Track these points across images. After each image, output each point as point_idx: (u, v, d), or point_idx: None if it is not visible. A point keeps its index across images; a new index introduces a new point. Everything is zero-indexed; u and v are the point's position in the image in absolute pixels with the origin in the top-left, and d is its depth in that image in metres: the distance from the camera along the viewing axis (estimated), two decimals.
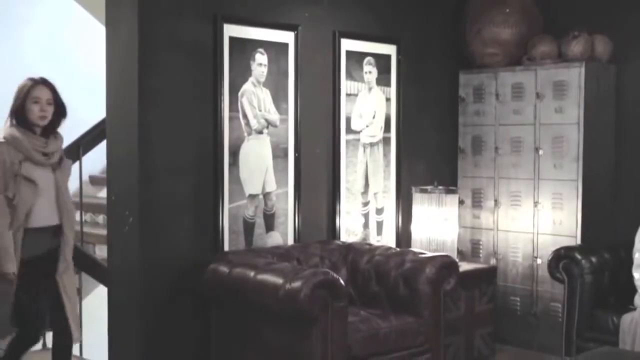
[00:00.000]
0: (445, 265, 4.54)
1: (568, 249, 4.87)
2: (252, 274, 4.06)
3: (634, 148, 5.40)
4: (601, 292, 4.76)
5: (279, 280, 3.91)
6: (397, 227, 5.54)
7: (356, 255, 4.84)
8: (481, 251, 5.77)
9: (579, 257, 4.76)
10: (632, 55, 5.35)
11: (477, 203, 5.79)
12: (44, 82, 4.04)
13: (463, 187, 5.83)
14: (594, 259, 4.77)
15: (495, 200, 5.68)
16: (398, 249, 4.95)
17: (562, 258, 4.83)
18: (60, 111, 4.08)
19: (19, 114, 3.95)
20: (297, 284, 3.83)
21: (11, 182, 3.84)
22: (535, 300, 5.46)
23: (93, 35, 6.08)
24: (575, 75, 5.21)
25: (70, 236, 4.08)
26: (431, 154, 5.79)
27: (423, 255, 4.63)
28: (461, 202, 5.79)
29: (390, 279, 4.58)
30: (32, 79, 4.02)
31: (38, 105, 3.96)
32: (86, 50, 6.77)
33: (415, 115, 5.65)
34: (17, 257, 3.85)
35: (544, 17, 5.65)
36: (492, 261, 5.66)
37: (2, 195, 3.83)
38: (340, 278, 4.03)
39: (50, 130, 4.06)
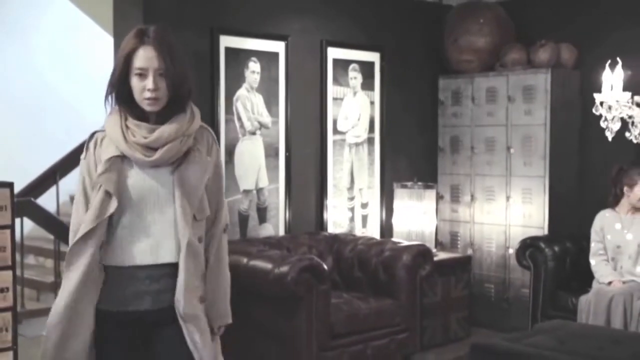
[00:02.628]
0: (421, 253, 5.02)
1: (533, 239, 5.36)
2: (245, 260, 4.54)
3: (597, 147, 5.85)
4: (563, 276, 5.24)
5: (268, 266, 4.40)
6: (381, 220, 6.02)
7: (341, 244, 5.32)
8: (459, 242, 6.24)
9: (542, 246, 5.25)
10: (595, 61, 5.78)
11: (455, 198, 6.27)
12: (153, 40, 2.40)
13: (442, 184, 6.31)
14: (556, 248, 5.26)
15: (472, 196, 6.15)
16: (379, 239, 5.43)
17: (528, 247, 5.33)
18: (178, 88, 2.43)
19: (119, 89, 2.45)
20: (284, 269, 4.31)
21: (93, 193, 2.45)
22: (507, 287, 5.93)
23: (99, 43, 6.57)
24: (542, 81, 5.68)
25: (193, 285, 2.48)
26: (413, 152, 6.26)
27: (401, 245, 5.11)
28: (441, 197, 6.28)
29: (371, 266, 5.06)
30: (137, 33, 2.42)
31: (143, 80, 2.39)
32: (93, 57, 7.24)
33: (398, 117, 6.12)
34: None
35: (515, 27, 6.12)
36: (469, 251, 6.13)
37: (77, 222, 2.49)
38: (323, 263, 4.52)
39: (172, 111, 2.45)
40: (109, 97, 2.48)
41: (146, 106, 2.41)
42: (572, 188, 5.89)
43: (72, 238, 2.47)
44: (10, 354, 3.72)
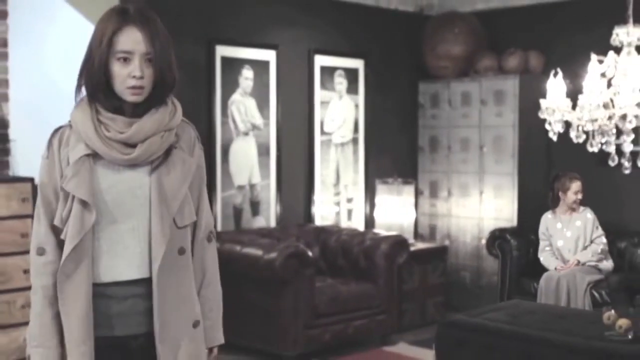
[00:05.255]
0: (397, 242, 5.56)
1: (501, 231, 5.91)
2: (238, 248, 5.07)
3: (564, 146, 6.37)
4: (526, 264, 5.78)
5: (259, 252, 4.93)
6: (366, 214, 6.55)
7: (326, 235, 5.85)
8: (437, 234, 6.77)
9: (509, 237, 5.80)
10: (561, 68, 6.30)
11: (433, 193, 6.80)
12: (138, 20, 2.08)
13: (422, 180, 6.84)
14: (521, 239, 5.82)
15: (449, 191, 6.68)
16: (361, 230, 5.96)
17: (496, 238, 5.87)
18: (164, 76, 2.11)
19: (93, 79, 2.08)
20: (273, 255, 4.85)
21: (60, 202, 2.11)
22: (481, 275, 6.47)
23: None
24: (511, 86, 6.22)
25: (176, 305, 2.14)
26: (395, 151, 6.79)
27: (380, 235, 5.65)
28: (421, 193, 6.81)
29: (353, 254, 5.59)
30: (119, 12, 2.09)
31: (128, 66, 2.06)
32: None
33: (381, 119, 6.65)
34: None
35: (488, 36, 6.65)
36: (446, 242, 6.66)
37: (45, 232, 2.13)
38: (308, 250, 5.05)
39: (152, 103, 2.12)
40: (82, 87, 2.11)
41: (129, 96, 2.06)
42: (540, 184, 6.40)
43: (34, 257, 2.14)
44: None
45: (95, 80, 2.05)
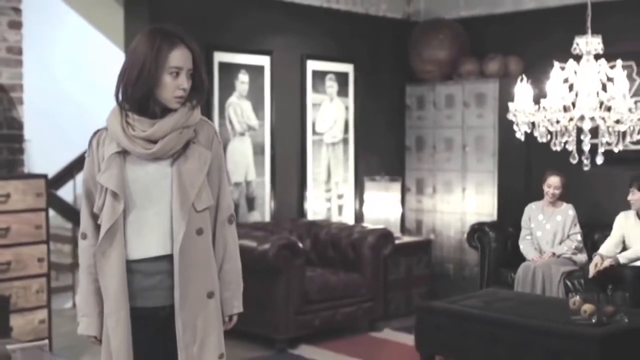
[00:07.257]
0: (383, 235, 5.96)
1: (480, 224, 6.30)
2: None
3: (541, 145, 6.74)
4: (504, 256, 6.16)
5: (253, 244, 5.33)
6: (355, 209, 6.94)
7: (318, 228, 6.24)
8: (423, 228, 7.16)
9: (487, 230, 6.19)
10: (539, 72, 6.68)
11: (420, 190, 7.19)
12: (186, 40, 2.50)
13: (409, 178, 7.24)
14: (499, 232, 6.21)
15: (434, 188, 7.07)
16: (350, 224, 6.36)
17: (476, 231, 6.26)
18: (199, 86, 2.53)
19: (144, 87, 2.43)
20: (266, 246, 5.25)
21: (97, 193, 2.51)
22: (464, 266, 6.86)
23: (107, 54, 7.45)
24: (492, 89, 6.61)
25: (194, 279, 2.49)
26: (383, 151, 7.18)
27: (367, 228, 6.04)
28: (408, 190, 7.21)
29: (342, 246, 5.99)
30: (168, 32, 2.49)
31: (177, 79, 2.44)
32: (102, 66, 8.10)
33: (370, 120, 7.04)
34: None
35: (470, 42, 7.03)
36: (432, 236, 7.05)
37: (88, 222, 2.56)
38: (299, 242, 5.44)
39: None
40: (123, 93, 2.46)
41: (174, 104, 2.45)
42: (519, 181, 6.80)
43: (79, 241, 2.57)
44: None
45: (146, 88, 2.41)
